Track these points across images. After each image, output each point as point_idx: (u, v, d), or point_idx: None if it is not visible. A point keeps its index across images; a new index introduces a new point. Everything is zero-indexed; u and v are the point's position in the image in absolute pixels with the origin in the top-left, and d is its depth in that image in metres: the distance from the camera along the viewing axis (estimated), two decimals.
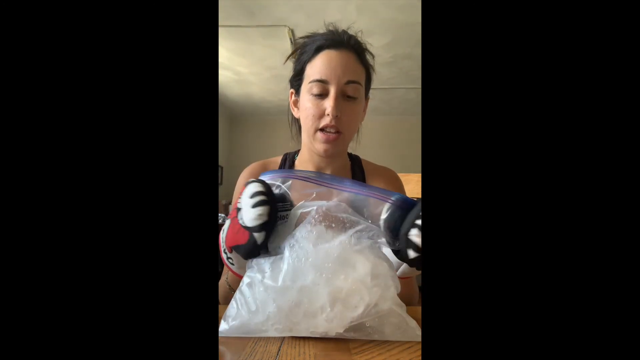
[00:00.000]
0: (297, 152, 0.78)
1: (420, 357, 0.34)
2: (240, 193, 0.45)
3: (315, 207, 0.43)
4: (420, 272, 0.45)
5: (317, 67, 0.64)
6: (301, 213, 0.45)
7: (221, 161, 4.73)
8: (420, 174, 1.45)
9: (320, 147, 0.66)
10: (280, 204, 0.46)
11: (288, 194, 0.47)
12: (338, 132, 0.64)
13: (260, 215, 0.41)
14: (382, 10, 2.49)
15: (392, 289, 0.39)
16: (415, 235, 0.41)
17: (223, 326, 0.40)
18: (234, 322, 0.39)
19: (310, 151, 0.70)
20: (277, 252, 0.42)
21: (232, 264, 0.49)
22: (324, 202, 0.44)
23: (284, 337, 0.39)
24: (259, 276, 0.40)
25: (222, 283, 0.59)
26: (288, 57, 0.74)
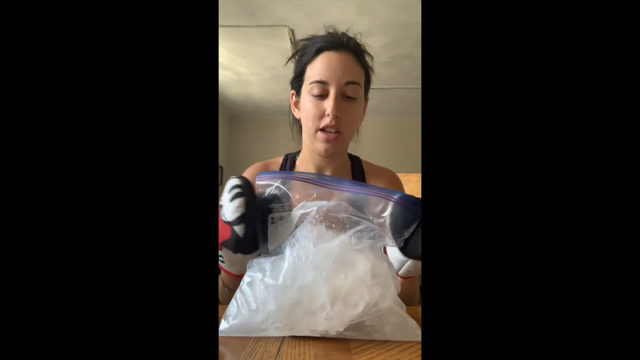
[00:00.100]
0: (298, 153, 0.79)
1: (420, 357, 0.34)
2: None
3: (315, 208, 0.44)
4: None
5: (317, 69, 0.64)
6: (302, 213, 0.45)
7: (221, 161, 4.72)
8: (420, 174, 1.45)
9: (320, 146, 0.66)
10: (277, 204, 0.46)
11: (287, 195, 0.47)
12: (338, 132, 0.65)
13: (237, 207, 0.43)
14: (382, 11, 2.48)
15: (392, 288, 0.40)
16: None
17: (223, 325, 0.40)
18: (234, 321, 0.39)
19: (310, 151, 0.71)
20: (278, 252, 0.43)
21: (223, 261, 0.49)
22: (324, 203, 0.44)
23: (284, 337, 0.39)
24: (259, 275, 0.40)
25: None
26: (289, 59, 0.74)
